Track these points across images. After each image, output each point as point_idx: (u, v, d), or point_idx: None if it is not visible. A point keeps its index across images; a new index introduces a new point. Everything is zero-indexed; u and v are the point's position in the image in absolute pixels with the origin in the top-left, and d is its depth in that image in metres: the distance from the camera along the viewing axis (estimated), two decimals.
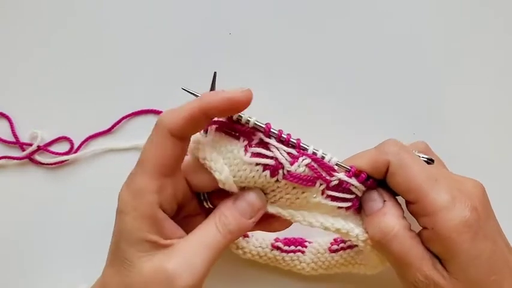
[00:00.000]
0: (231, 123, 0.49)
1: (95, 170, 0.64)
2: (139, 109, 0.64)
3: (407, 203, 0.50)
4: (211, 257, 0.46)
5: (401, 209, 0.50)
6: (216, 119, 0.49)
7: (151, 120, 0.64)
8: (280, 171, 0.48)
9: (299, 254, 0.59)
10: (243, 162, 0.48)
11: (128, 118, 0.64)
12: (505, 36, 0.68)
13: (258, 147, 0.48)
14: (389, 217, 0.49)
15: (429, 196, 0.47)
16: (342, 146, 0.64)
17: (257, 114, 0.64)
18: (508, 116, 0.67)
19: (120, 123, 0.64)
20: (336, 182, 0.50)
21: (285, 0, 0.67)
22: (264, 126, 0.48)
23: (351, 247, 0.58)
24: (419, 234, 0.49)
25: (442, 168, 0.54)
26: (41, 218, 0.63)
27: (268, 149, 0.48)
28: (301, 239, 0.60)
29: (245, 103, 0.47)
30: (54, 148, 0.64)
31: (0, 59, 0.65)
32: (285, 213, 0.50)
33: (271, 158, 0.48)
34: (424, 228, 0.48)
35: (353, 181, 0.50)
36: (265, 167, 0.48)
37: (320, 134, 0.65)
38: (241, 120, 0.48)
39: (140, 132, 0.64)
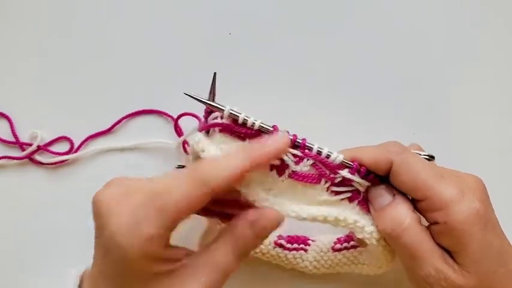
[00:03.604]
0: (236, 126, 0.49)
1: (95, 170, 0.64)
2: (139, 109, 0.64)
3: (415, 201, 0.50)
4: (224, 281, 0.45)
5: (411, 203, 0.50)
6: (220, 121, 0.49)
7: (151, 121, 0.64)
8: (286, 171, 0.49)
9: (302, 252, 0.59)
10: None
11: (128, 118, 0.64)
12: (505, 36, 0.68)
13: None
14: (400, 209, 0.49)
15: (437, 191, 0.48)
16: (342, 145, 0.64)
17: (257, 114, 0.65)
18: (508, 115, 0.67)
19: (120, 123, 0.64)
20: (339, 179, 0.50)
21: (285, 0, 0.67)
22: (269, 128, 0.48)
23: (354, 247, 0.57)
24: (428, 229, 0.49)
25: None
26: (41, 218, 0.63)
27: None
28: (304, 237, 0.60)
29: (285, 149, 0.47)
30: (54, 148, 0.64)
31: (0, 59, 0.65)
32: (292, 214, 0.50)
33: (278, 158, 0.48)
34: (435, 223, 0.48)
35: (356, 178, 0.50)
36: (272, 166, 0.49)
37: (320, 134, 0.65)
38: (246, 123, 0.48)
39: (140, 132, 0.64)
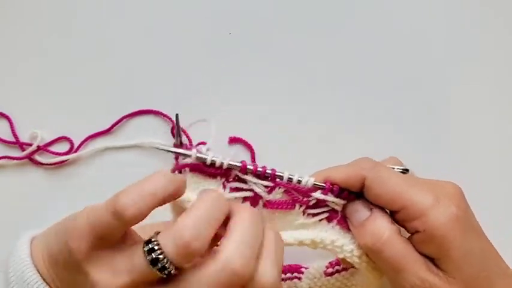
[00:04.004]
0: (204, 167, 0.48)
1: (95, 170, 0.64)
2: (138, 109, 0.64)
3: (392, 213, 0.50)
4: None
5: (389, 215, 0.50)
6: (189, 162, 0.48)
7: (150, 121, 0.64)
8: (260, 201, 0.49)
9: (296, 281, 0.58)
10: None
11: (127, 118, 0.64)
12: (505, 36, 0.68)
13: (235, 181, 0.49)
14: (379, 222, 0.49)
15: (413, 200, 0.47)
16: (342, 145, 0.65)
17: (258, 114, 0.65)
18: (508, 115, 0.67)
19: (119, 123, 0.64)
20: (314, 201, 0.50)
21: (286, 1, 0.67)
22: (238, 165, 0.48)
23: (345, 269, 0.57)
24: (409, 240, 0.49)
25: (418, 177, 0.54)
26: (41, 218, 0.62)
27: (245, 182, 0.49)
28: (296, 265, 0.59)
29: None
30: (54, 148, 0.64)
31: (0, 59, 0.65)
32: None
33: (249, 190, 0.49)
34: (415, 232, 0.48)
35: (329, 197, 0.50)
36: (245, 198, 0.49)
37: (319, 134, 0.65)
38: (215, 163, 0.48)
39: (140, 132, 0.64)
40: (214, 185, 0.49)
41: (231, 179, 0.49)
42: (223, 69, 0.66)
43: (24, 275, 0.46)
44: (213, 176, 0.49)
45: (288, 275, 0.58)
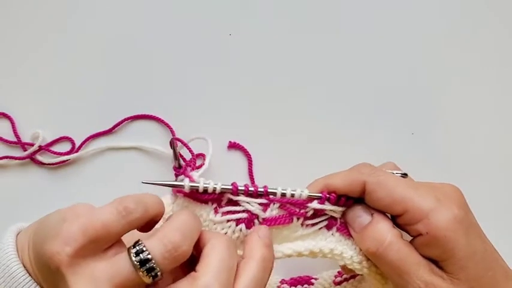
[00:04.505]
0: (197, 194, 0.49)
1: (96, 170, 0.64)
2: (140, 109, 0.64)
3: (394, 217, 0.50)
4: None
5: (390, 219, 0.50)
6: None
7: (152, 124, 0.64)
8: (256, 221, 0.49)
9: None
10: (213, 223, 0.49)
11: (128, 120, 0.64)
12: (505, 36, 0.68)
13: (228, 205, 0.49)
14: (381, 227, 0.49)
15: (415, 202, 0.48)
16: (342, 145, 0.65)
17: (258, 114, 0.65)
18: (508, 116, 0.67)
19: (121, 124, 0.64)
20: (311, 212, 0.50)
21: (286, 2, 0.67)
22: (230, 187, 0.49)
23: (353, 277, 0.57)
24: (412, 243, 0.49)
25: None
26: None
27: (238, 204, 0.49)
28: (307, 276, 0.60)
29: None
30: (56, 148, 0.64)
31: (2, 59, 0.65)
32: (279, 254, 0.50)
33: (244, 211, 0.49)
34: (418, 235, 0.48)
35: (327, 206, 0.50)
36: (239, 221, 0.49)
37: (319, 134, 0.65)
38: (207, 190, 0.48)
39: (141, 134, 0.64)
40: (205, 211, 0.49)
41: (224, 204, 0.49)
42: (223, 71, 0.66)
43: (10, 269, 0.45)
44: (205, 202, 0.49)
45: (299, 287, 0.59)
